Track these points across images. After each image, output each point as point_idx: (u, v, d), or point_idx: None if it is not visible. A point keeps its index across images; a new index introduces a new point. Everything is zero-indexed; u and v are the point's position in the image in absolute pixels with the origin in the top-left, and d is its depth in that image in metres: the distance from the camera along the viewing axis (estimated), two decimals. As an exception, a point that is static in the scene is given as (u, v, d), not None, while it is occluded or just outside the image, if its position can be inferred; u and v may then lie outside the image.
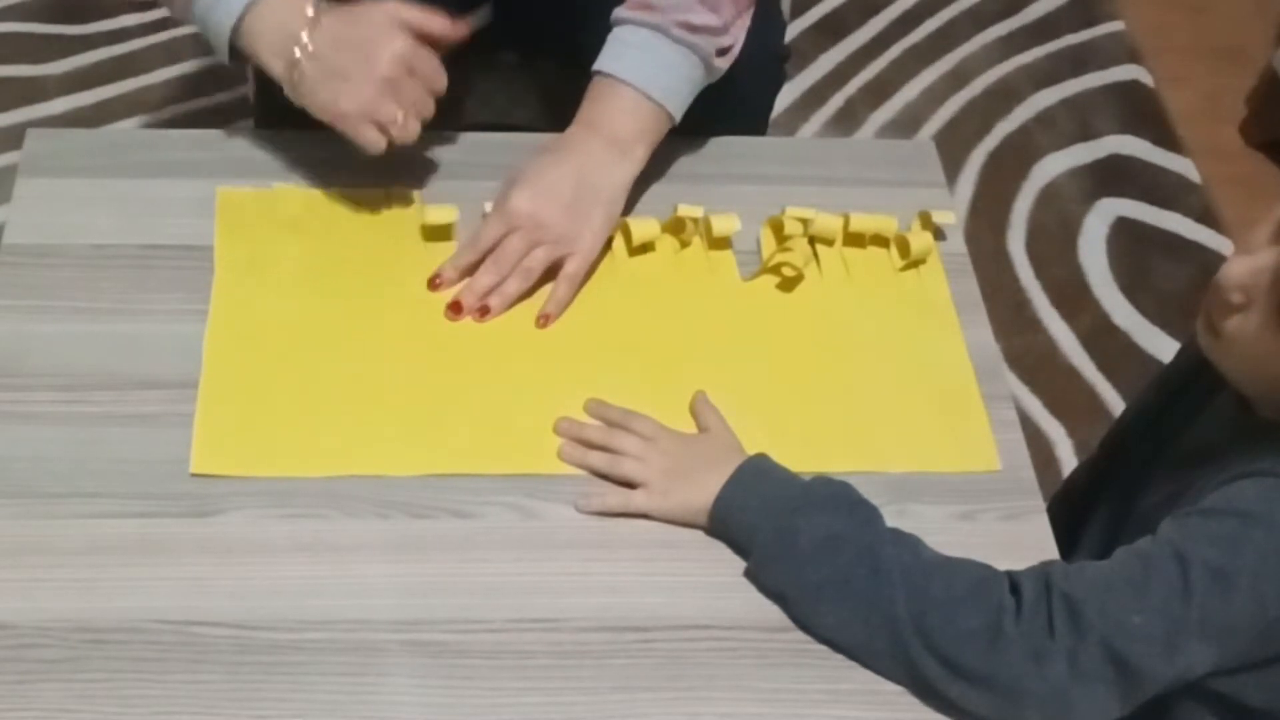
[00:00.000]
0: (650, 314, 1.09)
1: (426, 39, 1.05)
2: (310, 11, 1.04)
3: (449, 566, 0.93)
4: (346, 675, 0.87)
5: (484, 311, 1.06)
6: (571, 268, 1.07)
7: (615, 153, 1.08)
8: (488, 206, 1.09)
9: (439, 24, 1.05)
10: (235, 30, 1.05)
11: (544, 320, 1.06)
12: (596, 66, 1.09)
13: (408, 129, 1.05)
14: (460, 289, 1.07)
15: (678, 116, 1.10)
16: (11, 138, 1.64)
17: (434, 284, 1.07)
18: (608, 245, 1.12)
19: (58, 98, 2.08)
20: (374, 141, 1.05)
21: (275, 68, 1.05)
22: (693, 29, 1.08)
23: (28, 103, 2.06)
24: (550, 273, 1.07)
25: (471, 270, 1.07)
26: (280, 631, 0.88)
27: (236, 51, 1.07)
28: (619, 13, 1.10)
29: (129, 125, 2.02)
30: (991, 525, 0.98)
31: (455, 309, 1.06)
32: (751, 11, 1.14)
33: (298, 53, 1.03)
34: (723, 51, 1.11)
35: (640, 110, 1.08)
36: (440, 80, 1.06)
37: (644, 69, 1.08)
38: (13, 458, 0.95)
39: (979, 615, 0.86)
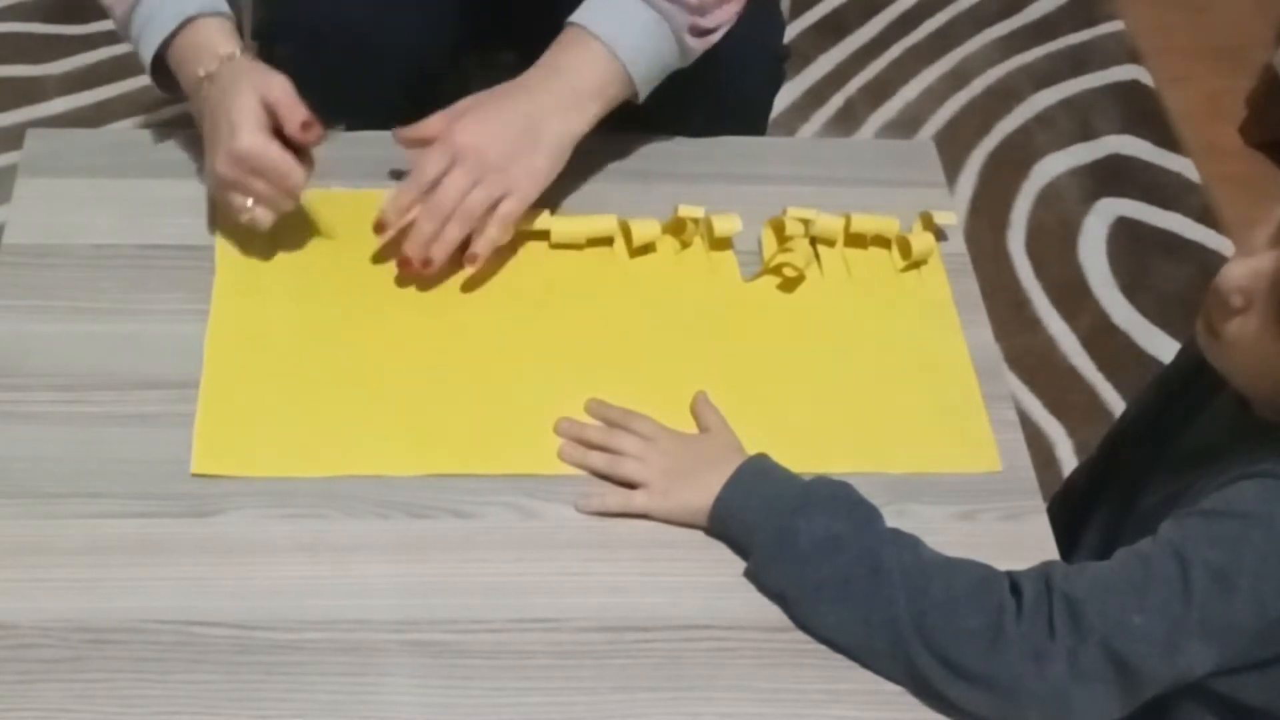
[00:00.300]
0: (651, 314, 1.09)
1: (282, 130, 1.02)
2: (201, 71, 1.02)
3: (449, 566, 0.93)
4: (346, 675, 0.87)
5: (427, 264, 1.04)
6: (505, 208, 1.05)
7: (569, 102, 1.07)
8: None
9: (292, 120, 1.01)
10: (161, 68, 1.05)
11: (471, 259, 1.05)
12: (570, 19, 1.08)
13: (256, 219, 1.03)
14: (405, 242, 1.05)
15: (641, 88, 1.09)
16: (11, 138, 1.64)
17: (378, 227, 1.05)
18: (608, 243, 1.12)
19: (58, 98, 2.08)
20: (234, 211, 1.04)
21: (192, 102, 1.05)
22: None
23: (28, 103, 2.06)
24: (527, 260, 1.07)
25: (411, 208, 1.05)
26: (280, 631, 0.88)
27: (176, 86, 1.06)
28: None
29: (129, 125, 2.02)
30: (991, 525, 0.98)
31: (405, 264, 1.05)
32: (740, 4, 1.13)
33: (194, 109, 1.03)
34: (699, 32, 1.10)
35: (602, 65, 1.07)
36: (290, 179, 1.01)
37: (613, 24, 1.07)
38: (13, 458, 0.95)
39: (979, 615, 0.86)
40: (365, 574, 0.92)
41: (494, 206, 1.05)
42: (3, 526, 0.92)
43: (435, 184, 1.04)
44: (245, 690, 0.86)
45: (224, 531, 0.93)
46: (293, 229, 1.09)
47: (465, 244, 1.06)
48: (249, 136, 1.00)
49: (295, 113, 1.01)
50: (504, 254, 1.10)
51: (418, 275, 1.06)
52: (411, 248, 1.05)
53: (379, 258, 1.09)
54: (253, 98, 1.00)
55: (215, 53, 1.03)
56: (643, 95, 1.10)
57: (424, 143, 1.07)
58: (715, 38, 1.12)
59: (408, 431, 0.99)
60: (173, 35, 1.03)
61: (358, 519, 0.94)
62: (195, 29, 1.03)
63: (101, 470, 0.95)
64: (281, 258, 1.08)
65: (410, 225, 1.05)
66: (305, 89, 1.07)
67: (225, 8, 1.05)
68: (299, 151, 1.02)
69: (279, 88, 1.01)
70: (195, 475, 0.95)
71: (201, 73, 1.02)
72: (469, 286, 1.08)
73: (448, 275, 1.07)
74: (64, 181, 1.12)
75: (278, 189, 1.02)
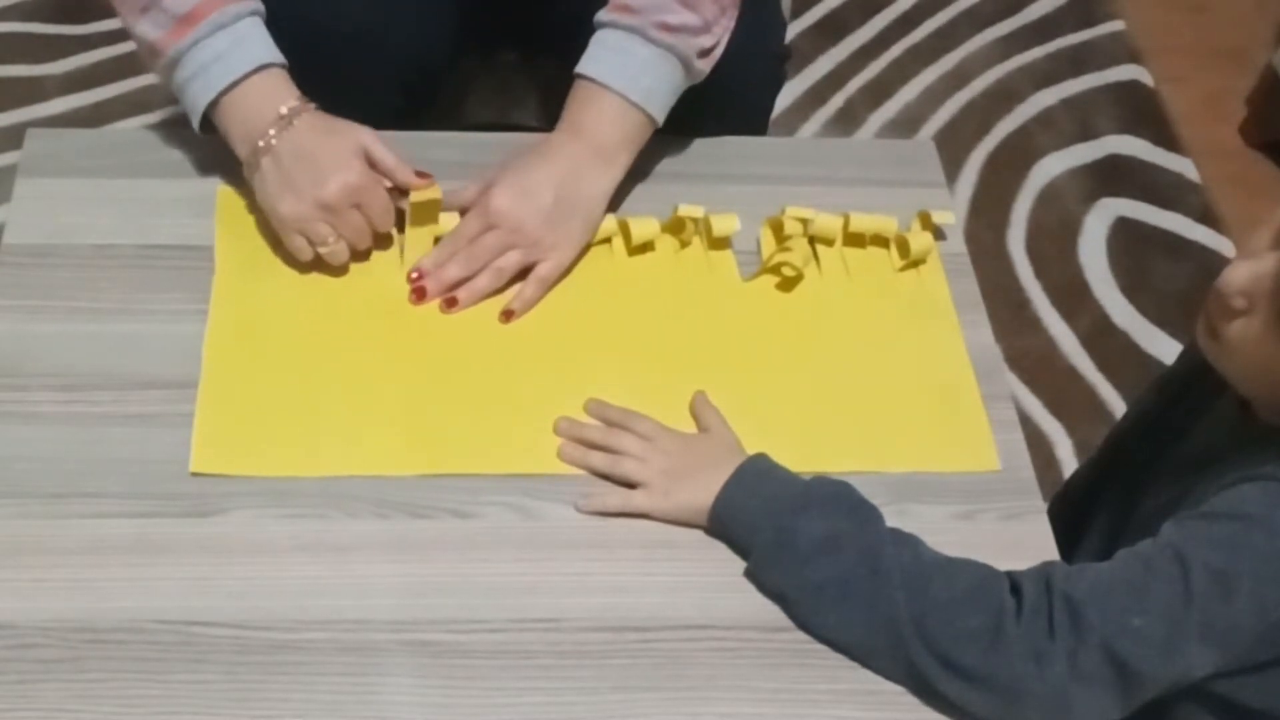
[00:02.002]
0: (650, 314, 1.09)
1: (384, 175, 1.06)
2: (284, 110, 1.04)
3: (449, 566, 0.93)
4: (346, 675, 0.87)
5: (451, 303, 1.07)
6: (544, 270, 1.07)
7: (599, 161, 1.09)
8: (466, 191, 1.09)
9: (401, 172, 1.06)
10: (212, 104, 1.05)
11: (506, 316, 1.07)
12: (578, 70, 1.10)
13: (336, 252, 1.05)
14: (428, 276, 1.07)
15: (660, 119, 1.11)
16: (11, 138, 1.64)
17: (412, 278, 1.07)
18: (607, 242, 1.12)
19: (58, 98, 2.08)
20: (299, 249, 1.05)
21: (240, 151, 1.06)
22: (671, 29, 1.08)
23: (28, 103, 2.06)
24: (521, 274, 1.08)
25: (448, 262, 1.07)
26: (280, 631, 0.88)
27: (208, 124, 1.07)
28: (600, 16, 1.10)
29: (129, 125, 2.02)
30: (991, 525, 0.98)
31: (419, 294, 1.07)
32: (736, 11, 1.13)
33: (261, 144, 1.04)
34: (704, 52, 1.11)
35: (623, 116, 1.09)
36: (385, 220, 1.06)
37: (624, 72, 1.08)
38: (13, 458, 0.95)
39: (979, 616, 0.86)
40: (365, 574, 0.92)
41: (530, 267, 1.07)
42: (3, 526, 0.92)
43: (472, 241, 1.07)
44: (245, 690, 0.86)
45: (224, 531, 0.93)
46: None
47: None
48: (361, 170, 1.04)
49: (402, 168, 1.06)
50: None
51: (422, 304, 1.07)
52: (433, 285, 1.07)
53: (378, 259, 1.09)
54: (355, 140, 1.04)
55: (292, 97, 1.05)
56: (662, 122, 1.12)
57: (461, 209, 1.10)
58: (719, 52, 1.13)
59: (407, 431, 0.99)
60: (240, 81, 1.04)
61: (358, 519, 0.94)
62: (268, 76, 1.05)
63: (101, 470, 0.95)
64: (281, 258, 1.08)
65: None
66: (305, 89, 1.07)
67: (281, 57, 1.07)
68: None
69: (379, 142, 1.05)
70: (194, 475, 0.95)
71: (284, 110, 1.04)
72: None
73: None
74: (64, 181, 1.12)
75: (373, 224, 1.05)
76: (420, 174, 1.06)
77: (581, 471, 0.98)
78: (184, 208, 1.11)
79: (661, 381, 1.04)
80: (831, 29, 2.35)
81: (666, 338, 1.07)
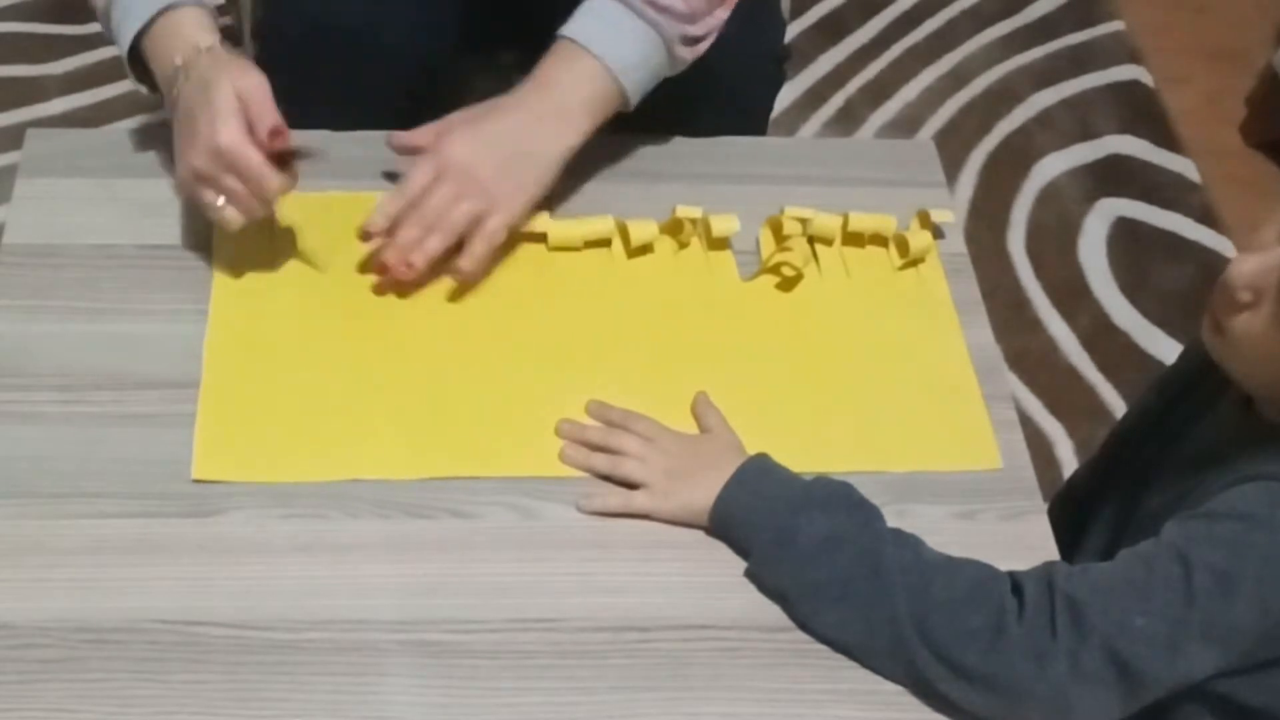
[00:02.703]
0: (650, 315, 1.09)
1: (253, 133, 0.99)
2: (178, 59, 1.00)
3: (449, 566, 0.93)
4: (346, 675, 0.87)
5: (407, 268, 1.04)
6: (492, 224, 1.04)
7: (560, 119, 1.07)
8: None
9: (261, 124, 0.98)
10: (136, 58, 1.04)
11: (457, 273, 1.05)
12: (560, 31, 1.08)
13: (225, 218, 1.00)
14: (385, 245, 1.05)
15: (632, 97, 1.09)
16: (11, 138, 1.64)
17: (364, 235, 1.05)
18: (606, 244, 1.12)
19: (58, 98, 2.08)
20: (200, 207, 1.02)
21: (165, 93, 1.03)
22: (658, 8, 1.07)
23: (28, 103, 2.06)
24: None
25: (396, 217, 1.04)
26: (280, 631, 0.88)
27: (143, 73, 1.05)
28: None
29: (129, 125, 2.01)
30: (991, 525, 0.98)
31: (381, 270, 1.05)
32: (728, 10, 1.12)
33: (169, 99, 1.01)
34: (689, 40, 1.10)
35: (594, 80, 1.07)
36: (265, 184, 0.99)
37: (604, 37, 1.07)
38: (13, 458, 0.95)
39: (980, 615, 0.86)
40: (365, 574, 0.92)
41: (480, 221, 1.05)
42: (3, 526, 0.92)
43: (422, 195, 1.03)
44: (245, 690, 0.86)
45: (224, 531, 0.93)
46: (290, 231, 1.09)
47: (448, 255, 1.05)
48: (229, 133, 0.97)
49: (266, 117, 0.98)
50: (502, 257, 1.10)
51: (394, 282, 1.06)
52: (391, 253, 1.04)
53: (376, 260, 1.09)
54: (232, 92, 0.98)
55: (192, 43, 1.01)
56: (634, 105, 1.10)
57: (414, 150, 1.07)
58: (704, 45, 1.12)
59: (408, 435, 0.99)
60: (150, 24, 1.02)
61: (358, 519, 0.94)
62: (172, 18, 1.02)
63: (101, 470, 0.95)
64: (279, 260, 1.08)
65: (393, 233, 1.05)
66: (305, 88, 1.07)
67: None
68: (281, 159, 1.00)
69: (255, 87, 0.99)
70: (196, 481, 0.95)
71: (179, 61, 1.00)
72: (468, 290, 1.08)
73: (428, 283, 1.07)
74: (64, 181, 1.12)
75: (252, 192, 1.00)
76: (275, 132, 0.98)
77: (581, 471, 0.98)
78: (184, 208, 1.11)
79: (662, 382, 1.04)
80: (831, 29, 2.35)
81: (666, 339, 1.07)
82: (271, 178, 0.99)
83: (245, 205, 1.00)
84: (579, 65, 1.07)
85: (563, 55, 1.08)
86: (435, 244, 1.04)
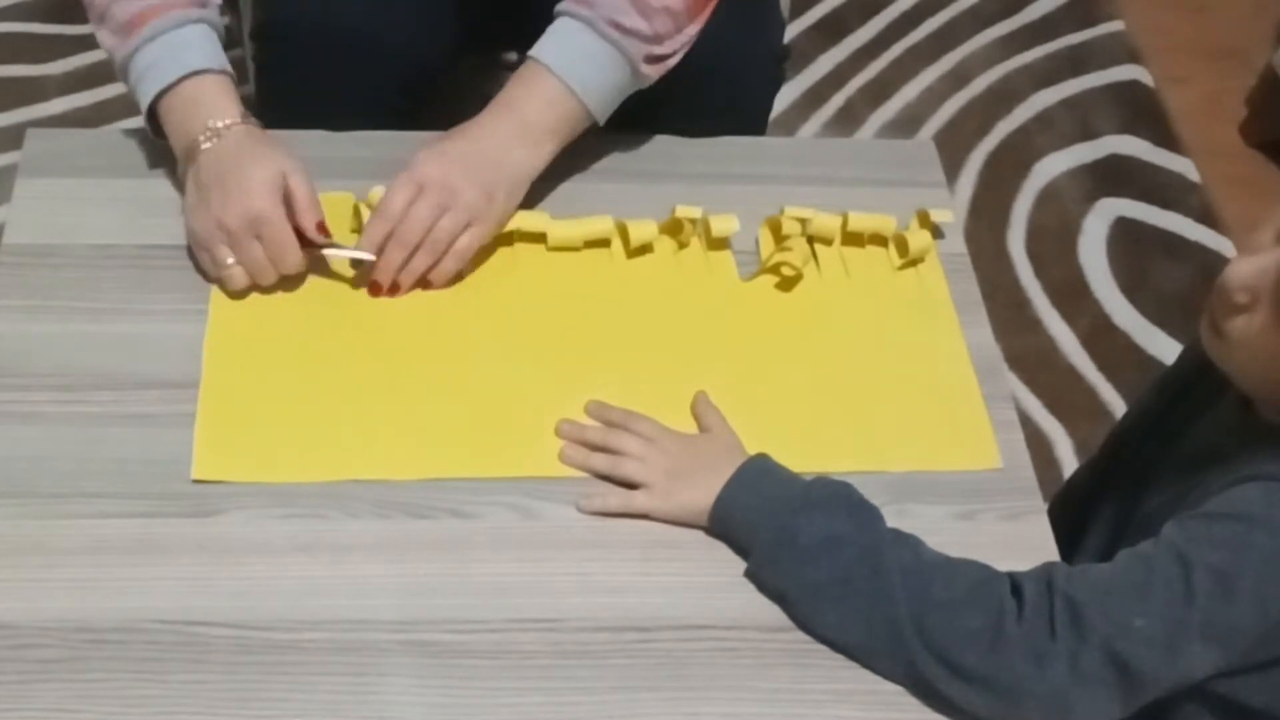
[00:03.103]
0: (650, 315, 1.09)
1: (293, 213, 1.03)
2: (214, 123, 1.03)
3: (449, 566, 0.93)
4: (346, 675, 0.87)
5: (394, 289, 1.06)
6: (464, 242, 1.06)
7: (525, 141, 1.08)
8: (376, 192, 1.07)
9: (306, 216, 1.03)
10: (155, 111, 1.05)
11: (425, 285, 1.06)
12: (529, 51, 1.09)
13: (231, 276, 1.03)
14: (376, 269, 1.06)
15: (598, 114, 1.10)
16: (11, 138, 1.63)
17: (357, 263, 1.06)
18: (606, 244, 1.12)
19: (58, 98, 2.08)
20: (205, 265, 1.04)
21: (176, 150, 1.05)
22: (622, 30, 1.08)
23: (28, 103, 2.06)
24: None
25: (383, 240, 1.05)
26: (280, 631, 0.88)
27: (156, 124, 1.07)
28: (558, 7, 1.10)
29: (129, 125, 2.01)
30: (991, 525, 0.98)
31: (374, 289, 1.06)
32: (699, 26, 1.13)
33: (191, 153, 1.03)
34: (654, 59, 1.11)
35: (558, 102, 1.08)
36: (285, 260, 1.02)
37: (566, 58, 1.08)
38: (13, 458, 0.95)
39: (980, 616, 0.86)
40: (365, 574, 0.92)
41: (456, 238, 1.06)
42: (3, 526, 0.92)
43: (403, 214, 1.04)
44: (245, 690, 0.86)
45: (224, 531, 0.93)
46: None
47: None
48: (268, 200, 1.01)
49: (312, 211, 1.03)
50: (502, 257, 1.10)
51: (385, 297, 1.06)
52: (382, 276, 1.06)
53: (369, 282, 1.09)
54: (275, 168, 1.02)
55: (230, 108, 1.04)
56: (602, 121, 1.11)
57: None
58: (673, 62, 1.13)
59: (407, 435, 0.99)
60: (178, 83, 1.04)
61: (358, 519, 0.94)
62: (205, 81, 1.04)
63: (101, 470, 0.95)
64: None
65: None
66: (303, 89, 1.07)
67: (228, 66, 1.06)
68: (302, 240, 1.03)
69: (301, 175, 1.03)
70: (196, 481, 0.95)
71: (217, 124, 1.03)
72: (467, 290, 1.08)
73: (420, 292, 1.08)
74: (64, 181, 1.12)
75: (273, 261, 1.02)
76: (322, 227, 1.04)
77: (581, 471, 0.98)
78: (184, 208, 1.11)
79: (662, 382, 1.04)
80: (831, 29, 2.35)
81: (666, 339, 1.07)
82: (296, 255, 1.03)
83: (258, 270, 1.03)
84: (542, 88, 1.08)
85: (527, 78, 1.09)
86: (420, 263, 1.06)
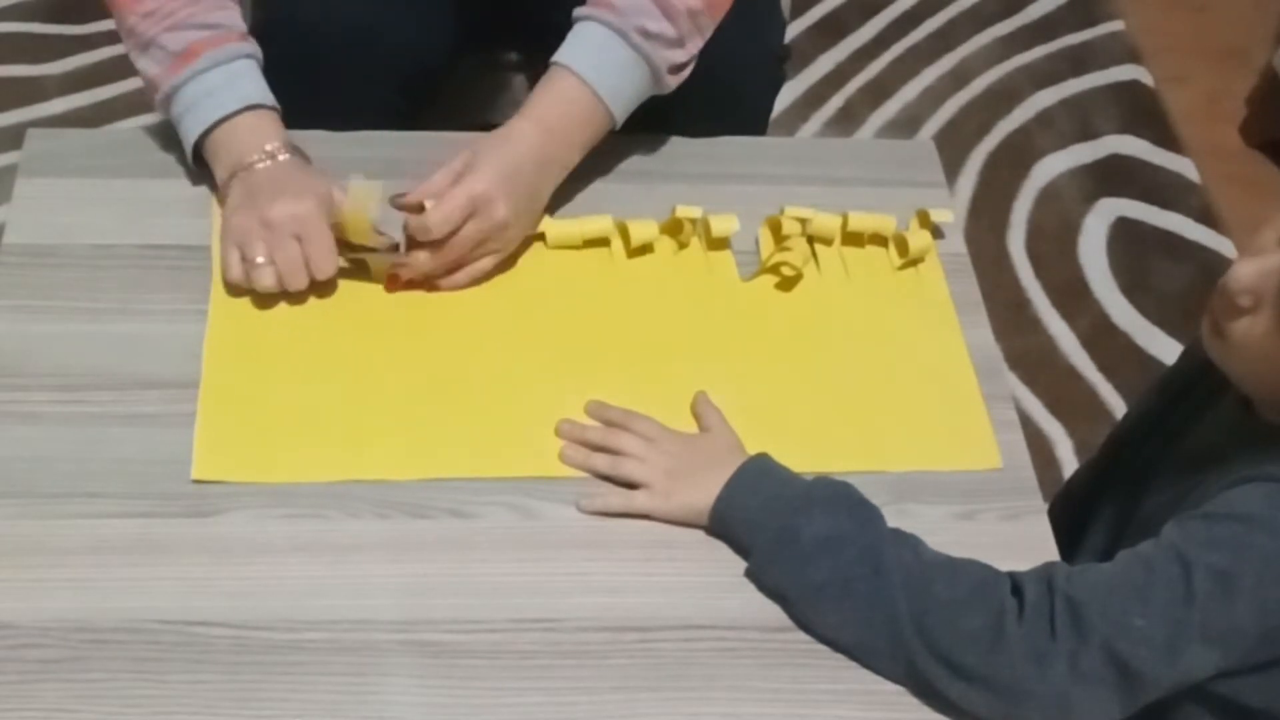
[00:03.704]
0: (650, 315, 1.09)
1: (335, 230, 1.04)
2: (269, 146, 1.05)
3: (449, 566, 0.93)
4: (346, 675, 0.87)
5: (428, 284, 1.07)
6: (483, 265, 1.07)
7: (563, 163, 1.10)
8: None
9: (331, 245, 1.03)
10: (204, 136, 1.06)
11: (431, 287, 1.07)
12: (556, 58, 1.09)
13: (262, 273, 1.02)
14: (403, 264, 1.06)
15: (619, 120, 1.11)
16: (11, 138, 1.64)
17: (400, 202, 1.06)
18: (606, 244, 1.12)
19: (58, 98, 2.08)
20: (230, 264, 1.04)
21: (221, 176, 1.07)
22: (648, 36, 1.08)
23: (28, 103, 2.06)
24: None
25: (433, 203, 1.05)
26: (280, 631, 0.88)
27: (200, 156, 1.09)
28: (582, 9, 1.10)
29: (129, 125, 2.02)
30: (991, 525, 0.98)
31: (393, 282, 1.07)
32: (709, 32, 1.13)
33: (243, 171, 1.05)
34: (675, 68, 1.12)
35: (591, 117, 1.09)
36: (321, 267, 1.03)
37: (605, 72, 1.08)
38: (13, 458, 0.95)
39: (980, 616, 0.86)
40: (365, 574, 0.92)
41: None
42: (3, 526, 0.92)
43: (453, 226, 1.04)
44: (245, 690, 0.86)
45: (224, 531, 0.93)
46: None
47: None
48: (315, 205, 1.02)
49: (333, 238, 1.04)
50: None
51: (402, 289, 1.07)
52: (408, 274, 1.06)
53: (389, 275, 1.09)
54: (326, 187, 1.04)
55: (284, 138, 1.06)
56: (618, 128, 1.12)
57: (416, 209, 1.07)
58: (685, 74, 1.13)
59: (407, 435, 0.99)
60: (231, 116, 1.06)
61: (358, 519, 0.94)
62: (258, 116, 1.07)
63: (101, 470, 0.95)
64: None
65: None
66: (303, 88, 1.07)
67: (276, 102, 1.09)
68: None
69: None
70: (196, 481, 0.95)
71: (270, 148, 1.05)
72: (467, 290, 1.08)
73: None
74: (64, 181, 1.12)
75: (307, 263, 1.03)
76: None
77: (581, 471, 0.98)
78: (184, 208, 1.11)
79: (662, 382, 1.04)
80: (831, 29, 2.35)
81: (666, 339, 1.07)
82: (332, 261, 1.03)
83: (291, 271, 1.03)
84: (581, 106, 1.09)
85: (567, 93, 1.09)
86: (461, 281, 1.07)
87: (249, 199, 1.04)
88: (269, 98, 1.08)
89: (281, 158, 1.05)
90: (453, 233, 1.04)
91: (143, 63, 1.08)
